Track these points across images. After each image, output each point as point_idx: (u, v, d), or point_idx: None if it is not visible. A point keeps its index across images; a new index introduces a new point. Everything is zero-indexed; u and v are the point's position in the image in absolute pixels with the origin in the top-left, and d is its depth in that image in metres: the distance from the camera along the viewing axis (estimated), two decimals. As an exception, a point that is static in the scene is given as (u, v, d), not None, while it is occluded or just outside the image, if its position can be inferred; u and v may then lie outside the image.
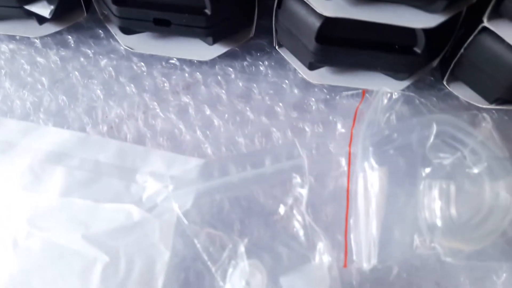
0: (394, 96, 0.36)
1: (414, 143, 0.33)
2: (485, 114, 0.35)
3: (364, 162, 0.34)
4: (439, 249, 0.31)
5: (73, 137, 0.35)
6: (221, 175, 0.33)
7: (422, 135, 0.33)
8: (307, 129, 0.38)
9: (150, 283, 0.29)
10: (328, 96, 0.39)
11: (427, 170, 0.33)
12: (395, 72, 0.38)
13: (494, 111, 0.39)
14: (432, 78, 0.40)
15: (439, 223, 0.31)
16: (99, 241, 0.30)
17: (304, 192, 0.32)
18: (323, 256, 0.31)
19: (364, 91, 0.38)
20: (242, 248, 0.29)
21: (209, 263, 0.30)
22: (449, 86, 0.39)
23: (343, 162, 0.35)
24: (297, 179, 0.33)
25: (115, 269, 0.29)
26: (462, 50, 0.36)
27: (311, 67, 0.38)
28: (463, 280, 0.32)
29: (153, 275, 0.29)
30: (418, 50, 0.35)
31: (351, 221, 0.32)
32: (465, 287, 0.32)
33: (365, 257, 0.31)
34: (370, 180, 0.33)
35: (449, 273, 0.33)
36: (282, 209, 0.33)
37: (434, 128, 0.32)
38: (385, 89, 0.37)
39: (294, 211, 0.32)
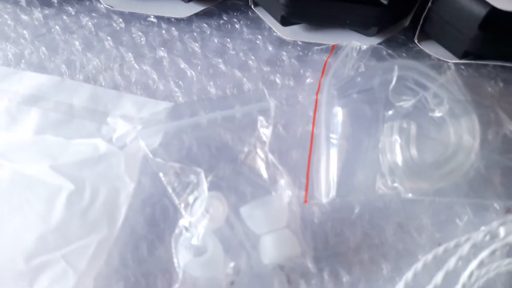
0: (362, 49, 0.37)
1: (376, 87, 0.34)
2: (450, 63, 0.36)
3: (328, 106, 0.34)
4: (400, 188, 0.32)
5: (49, 81, 0.36)
6: (190, 117, 0.34)
7: (384, 79, 0.34)
8: (278, 81, 0.39)
9: (113, 212, 0.30)
10: (301, 53, 0.40)
11: (390, 112, 0.33)
12: (364, 27, 0.39)
13: (464, 67, 0.39)
14: (404, 37, 0.41)
15: (400, 162, 0.32)
16: (65, 171, 0.30)
17: (268, 132, 0.33)
18: (284, 191, 0.31)
19: (334, 45, 0.39)
20: (204, 180, 0.30)
21: (173, 195, 0.31)
22: (420, 44, 0.40)
23: (311, 110, 0.36)
24: (263, 121, 0.34)
25: (79, 196, 0.30)
26: (429, 4, 0.36)
27: (284, 22, 0.39)
28: (425, 222, 0.33)
29: (117, 205, 0.30)
30: (384, 1, 0.36)
31: (314, 162, 0.33)
32: (427, 229, 0.33)
33: (324, 192, 0.31)
34: (333, 123, 0.34)
35: (411, 216, 0.33)
36: (247, 149, 0.33)
37: (396, 72, 0.33)
38: (355, 43, 0.38)
39: (259, 151, 0.33)
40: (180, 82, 0.38)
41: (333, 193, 0.31)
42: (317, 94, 0.36)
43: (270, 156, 0.32)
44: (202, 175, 0.30)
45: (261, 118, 0.34)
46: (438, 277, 0.25)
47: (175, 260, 0.29)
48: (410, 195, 0.31)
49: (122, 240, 0.31)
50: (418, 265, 0.28)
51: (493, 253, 0.25)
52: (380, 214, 0.33)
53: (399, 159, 0.32)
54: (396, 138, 0.32)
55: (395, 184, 0.32)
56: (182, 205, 0.31)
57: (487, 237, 0.29)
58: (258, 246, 0.30)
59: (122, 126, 0.34)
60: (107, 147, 0.32)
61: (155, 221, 0.32)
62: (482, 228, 0.30)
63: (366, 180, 0.33)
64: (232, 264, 0.29)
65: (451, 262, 0.25)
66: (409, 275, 0.28)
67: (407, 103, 0.33)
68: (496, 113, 0.35)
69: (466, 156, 0.32)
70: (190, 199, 0.30)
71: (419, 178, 0.32)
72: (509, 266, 0.30)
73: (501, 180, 0.32)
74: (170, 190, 0.31)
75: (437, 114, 0.33)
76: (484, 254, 0.25)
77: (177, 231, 0.30)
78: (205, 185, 0.30)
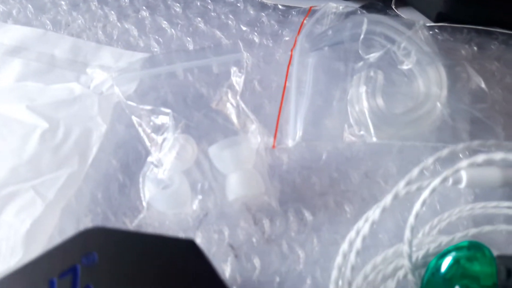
0: (338, 10, 0.38)
1: (347, 40, 0.34)
2: (420, 21, 0.36)
3: (300, 59, 0.35)
4: (366, 136, 0.32)
5: (33, 33, 0.37)
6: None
7: (354, 32, 0.34)
8: (256, 40, 0.40)
9: (85, 150, 0.31)
10: (281, 16, 0.41)
11: (359, 65, 0.34)
12: (341, -12, 0.40)
13: (439, 31, 0.40)
14: (382, 3, 0.42)
15: (366, 110, 0.32)
16: (41, 111, 0.31)
17: (240, 81, 0.34)
18: (253, 137, 0.32)
19: (311, 7, 0.40)
20: (173, 120, 0.31)
21: (144, 137, 0.32)
22: (397, 10, 0.40)
23: (286, 66, 0.37)
24: (236, 71, 0.35)
25: (53, 134, 0.31)
26: (404, -33, 0.37)
27: (263, -16, 0.40)
28: (392, 171, 0.33)
29: (88, 143, 0.31)
30: (359, -39, 0.37)
31: (284, 112, 0.34)
32: (393, 178, 0.33)
33: (291, 136, 0.32)
34: (304, 75, 0.35)
35: (378, 165, 0.34)
36: (219, 97, 0.34)
37: (365, 25, 0.34)
38: (331, 4, 0.39)
39: (231, 99, 0.34)
40: (160, 39, 0.39)
41: (299, 135, 0.32)
42: (292, 50, 0.37)
43: (242, 104, 0.33)
44: (171, 115, 0.31)
45: (234, 68, 0.35)
46: (387, 199, 0.26)
47: (141, 195, 0.30)
48: (374, 139, 0.31)
49: (93, 179, 0.32)
50: (380, 204, 0.29)
51: (444, 180, 0.26)
52: (347, 163, 0.34)
53: (365, 107, 0.32)
54: (363, 87, 0.33)
55: (362, 132, 0.33)
56: (153, 148, 0.32)
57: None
58: (224, 185, 0.31)
59: (99, 75, 0.35)
60: (82, 90, 0.33)
61: (127, 164, 0.33)
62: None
63: (334, 129, 0.34)
64: (198, 200, 0.30)
65: (400, 185, 0.26)
66: (369, 213, 0.29)
67: (375, 55, 0.34)
68: (465, 70, 0.35)
69: (432, 105, 0.33)
70: (160, 139, 0.31)
71: (385, 125, 0.32)
72: (472, 211, 0.30)
73: (467, 129, 0.33)
74: (141, 133, 0.32)
75: (406, 66, 0.34)
76: (436, 181, 0.25)
77: (145, 168, 0.31)
78: (174, 128, 0.31)
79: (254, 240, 0.31)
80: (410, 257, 0.26)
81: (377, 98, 0.32)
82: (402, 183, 0.26)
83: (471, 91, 0.34)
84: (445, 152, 0.26)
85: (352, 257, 0.26)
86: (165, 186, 0.29)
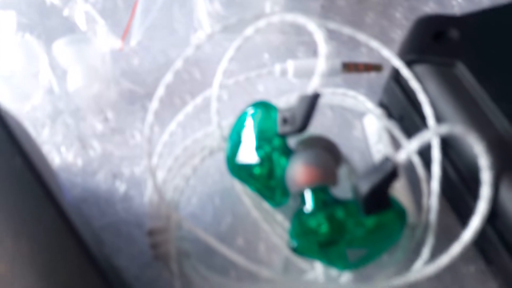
0: None
1: None
2: None
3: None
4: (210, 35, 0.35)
5: None
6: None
7: None
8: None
9: None
10: None
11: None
12: None
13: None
14: None
15: (206, 14, 0.35)
16: None
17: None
18: (101, 39, 0.34)
19: None
20: (15, 22, 0.33)
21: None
22: None
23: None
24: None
25: None
26: None
27: None
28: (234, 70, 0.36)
29: None
30: None
31: (134, 20, 0.36)
32: (234, 75, 0.36)
33: (135, 36, 0.34)
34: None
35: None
36: (71, 5, 0.36)
37: None
38: None
39: (82, 4, 0.35)
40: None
41: (139, 37, 0.34)
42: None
43: (91, 10, 0.35)
44: (15, 18, 0.33)
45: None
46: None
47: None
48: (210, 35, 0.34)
49: None
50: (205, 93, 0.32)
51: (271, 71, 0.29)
52: (196, 64, 0.36)
53: (204, 11, 0.35)
54: (205, -7, 0.35)
55: (203, 35, 0.35)
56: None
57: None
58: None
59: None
60: None
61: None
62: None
63: (182, 32, 0.36)
64: (43, 93, 0.32)
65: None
66: (197, 99, 0.32)
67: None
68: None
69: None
70: (6, 42, 0.33)
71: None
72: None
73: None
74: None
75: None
76: (263, 71, 0.29)
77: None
78: (17, 27, 0.33)
79: (99, 131, 0.33)
80: (218, 124, 0.29)
81: (214, 2, 0.35)
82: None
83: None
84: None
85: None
86: (6, 79, 0.31)
